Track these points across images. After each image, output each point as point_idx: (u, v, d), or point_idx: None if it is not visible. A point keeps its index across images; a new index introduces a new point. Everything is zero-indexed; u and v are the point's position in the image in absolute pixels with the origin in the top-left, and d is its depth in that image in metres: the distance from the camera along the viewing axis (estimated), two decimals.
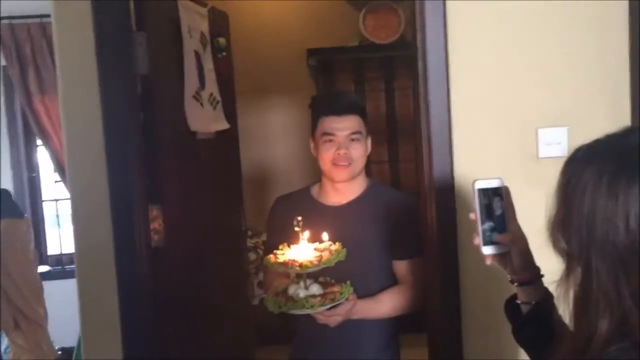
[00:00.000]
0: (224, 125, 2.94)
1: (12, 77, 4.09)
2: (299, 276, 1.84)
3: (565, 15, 1.82)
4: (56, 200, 4.42)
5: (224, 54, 3.03)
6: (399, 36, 4.08)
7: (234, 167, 3.37)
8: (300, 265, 1.75)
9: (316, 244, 1.86)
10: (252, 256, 4.06)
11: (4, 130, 4.27)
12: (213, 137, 2.83)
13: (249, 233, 3.97)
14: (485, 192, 1.21)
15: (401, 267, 1.99)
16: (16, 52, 4.05)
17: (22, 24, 4.03)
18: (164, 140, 2.33)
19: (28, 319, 3.40)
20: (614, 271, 0.84)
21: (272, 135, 4.44)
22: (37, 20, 3.99)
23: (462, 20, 1.81)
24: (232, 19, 3.28)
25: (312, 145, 2.06)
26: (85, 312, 1.98)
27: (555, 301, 0.99)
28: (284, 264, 1.79)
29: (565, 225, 0.90)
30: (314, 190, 2.11)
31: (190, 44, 2.60)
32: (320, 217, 1.99)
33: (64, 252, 4.39)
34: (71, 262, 3.88)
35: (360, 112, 2.01)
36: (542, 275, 1.21)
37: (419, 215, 1.95)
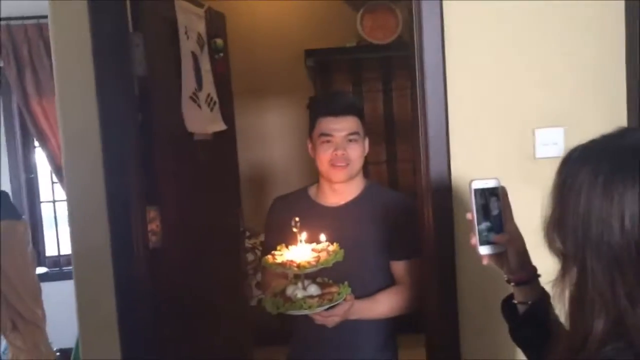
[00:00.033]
0: (221, 126, 2.94)
1: (9, 79, 4.08)
2: (296, 277, 1.84)
3: (561, 16, 1.83)
4: (54, 201, 4.41)
5: (221, 54, 3.03)
6: (396, 36, 4.08)
7: (231, 168, 3.37)
8: (298, 266, 1.75)
9: (314, 245, 1.86)
10: (250, 257, 4.06)
11: (2, 131, 4.26)
12: (210, 138, 2.84)
13: (247, 234, 3.97)
14: (482, 192, 1.21)
15: (399, 267, 1.99)
16: (13, 54, 4.04)
17: (19, 25, 4.02)
18: (162, 142, 2.33)
19: (26, 321, 3.40)
20: (609, 271, 0.84)
21: (269, 136, 4.44)
22: (34, 21, 3.99)
23: (458, 21, 1.82)
24: (229, 19, 3.28)
25: (309, 146, 2.06)
26: (83, 313, 1.98)
27: (552, 301, 0.99)
28: (282, 264, 1.79)
29: (560, 225, 0.90)
30: (312, 191, 2.11)
31: (187, 45, 2.60)
32: (318, 217, 1.99)
33: (61, 253, 4.38)
34: (69, 264, 3.87)
35: (358, 112, 2.02)
36: (538, 275, 1.21)
37: (416, 215, 1.95)
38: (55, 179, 4.30)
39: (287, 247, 1.88)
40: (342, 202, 2.03)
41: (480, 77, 1.84)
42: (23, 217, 3.86)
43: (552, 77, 1.84)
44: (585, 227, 0.86)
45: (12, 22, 4.02)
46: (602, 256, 0.85)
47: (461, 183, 1.80)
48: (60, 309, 3.20)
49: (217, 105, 2.90)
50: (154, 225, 2.14)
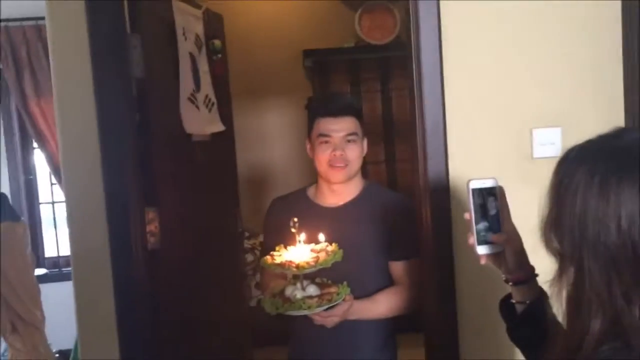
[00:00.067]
0: (219, 127, 2.94)
1: (7, 80, 4.09)
2: (295, 277, 1.84)
3: (558, 17, 1.83)
4: (53, 202, 4.41)
5: (219, 55, 3.03)
6: (394, 37, 4.08)
7: (230, 169, 3.37)
8: (297, 267, 1.75)
9: (313, 245, 1.86)
10: (249, 257, 4.06)
11: (1, 133, 4.27)
12: (209, 139, 2.83)
13: (246, 234, 3.97)
14: (479, 192, 1.21)
15: (397, 268, 1.99)
16: (12, 55, 4.05)
17: (17, 27, 4.02)
18: (160, 143, 2.33)
19: (25, 322, 3.41)
20: (606, 271, 0.85)
21: (268, 137, 4.44)
22: (33, 22, 3.99)
23: (456, 21, 1.82)
24: (226, 20, 3.28)
25: (308, 146, 2.06)
26: (82, 315, 1.98)
27: (549, 300, 0.99)
28: (281, 265, 1.79)
29: (557, 225, 0.91)
30: (311, 192, 2.11)
31: (185, 46, 2.60)
32: (317, 218, 1.99)
33: (61, 254, 4.38)
34: (68, 265, 3.87)
35: (356, 113, 2.02)
36: (536, 275, 1.21)
37: (415, 216, 1.95)
38: (54, 180, 4.30)
39: (286, 247, 1.88)
40: (341, 202, 2.04)
41: (477, 77, 1.84)
42: (22, 218, 3.86)
43: (550, 77, 1.84)
44: (582, 227, 0.86)
45: (11, 24, 4.02)
46: (598, 256, 0.85)
47: (459, 183, 1.80)
48: (59, 310, 3.20)
49: (215, 106, 2.90)
50: (152, 227, 2.14)
